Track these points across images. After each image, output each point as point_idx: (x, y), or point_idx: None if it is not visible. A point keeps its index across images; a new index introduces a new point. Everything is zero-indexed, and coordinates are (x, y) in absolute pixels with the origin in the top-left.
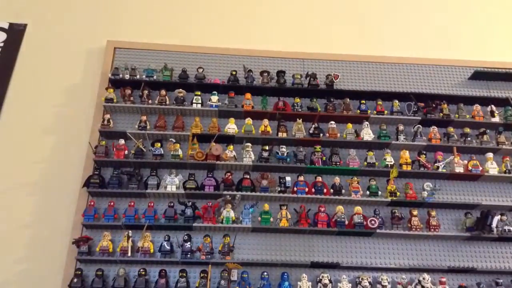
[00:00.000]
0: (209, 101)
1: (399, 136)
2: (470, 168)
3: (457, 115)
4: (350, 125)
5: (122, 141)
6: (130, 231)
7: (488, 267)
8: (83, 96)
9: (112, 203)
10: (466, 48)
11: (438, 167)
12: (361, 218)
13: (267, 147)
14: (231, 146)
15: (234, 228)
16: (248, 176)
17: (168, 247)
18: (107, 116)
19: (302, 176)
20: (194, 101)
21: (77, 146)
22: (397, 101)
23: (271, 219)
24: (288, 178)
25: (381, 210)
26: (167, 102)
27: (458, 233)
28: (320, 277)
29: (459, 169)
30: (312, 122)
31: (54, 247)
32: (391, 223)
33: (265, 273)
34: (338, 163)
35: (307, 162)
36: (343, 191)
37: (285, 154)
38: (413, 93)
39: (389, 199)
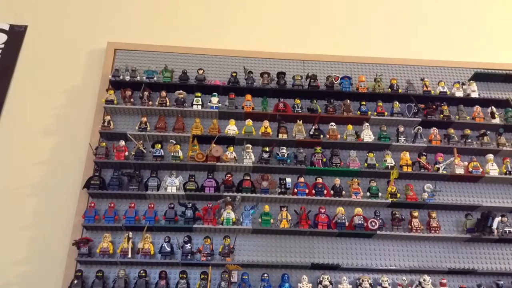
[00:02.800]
0: (210, 102)
1: (399, 138)
2: (470, 169)
3: (457, 117)
4: (350, 127)
5: (122, 143)
6: (130, 233)
7: (489, 268)
8: (83, 97)
9: (112, 205)
10: (466, 50)
11: (438, 169)
12: (362, 219)
13: (267, 149)
14: (232, 148)
15: (234, 229)
16: (249, 178)
17: (168, 249)
18: (108, 117)
19: (302, 178)
20: (194, 102)
21: (77, 148)
22: (397, 103)
23: (272, 221)
24: (288, 180)
25: (381, 211)
26: (168, 104)
27: (459, 234)
28: (321, 279)
29: (460, 171)
30: (313, 124)
31: (54, 249)
32: (392, 225)
33: (266, 275)
34: (339, 165)
35: (307, 163)
36: (343, 192)
37: (286, 156)
38: (413, 94)
39: (389, 200)
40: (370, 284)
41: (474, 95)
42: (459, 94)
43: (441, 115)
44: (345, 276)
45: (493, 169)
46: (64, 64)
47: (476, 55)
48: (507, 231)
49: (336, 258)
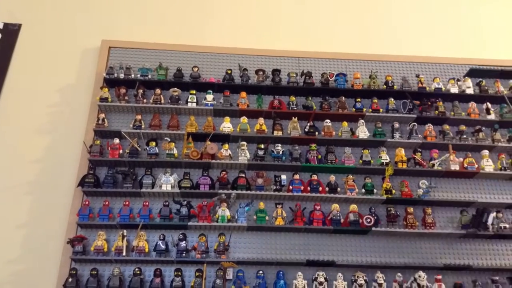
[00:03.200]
0: (204, 100)
1: (394, 134)
2: (465, 165)
3: (452, 113)
4: (345, 123)
5: (116, 140)
6: (125, 231)
7: (484, 264)
8: (78, 95)
9: (107, 203)
10: (461, 46)
11: (433, 165)
12: (357, 216)
13: (262, 146)
14: (226, 145)
15: (229, 227)
16: (244, 175)
17: (163, 246)
18: (102, 115)
19: (297, 175)
20: (189, 100)
21: (71, 146)
22: (392, 99)
23: (267, 218)
24: (283, 177)
25: (376, 208)
26: (162, 101)
27: (454, 230)
28: (316, 276)
29: (455, 167)
30: (308, 121)
31: (48, 247)
32: (387, 221)
33: (261, 272)
34: (334, 161)
35: (302, 160)
36: (338, 189)
37: (281, 153)
38: (408, 91)
39: (384, 197)
40: (365, 280)
41: (469, 91)
42: (454, 90)
43: (436, 112)
44: (340, 273)
45: (488, 165)
46: (58, 62)
47: (471, 51)
48: (502, 227)
49: (331, 254)
